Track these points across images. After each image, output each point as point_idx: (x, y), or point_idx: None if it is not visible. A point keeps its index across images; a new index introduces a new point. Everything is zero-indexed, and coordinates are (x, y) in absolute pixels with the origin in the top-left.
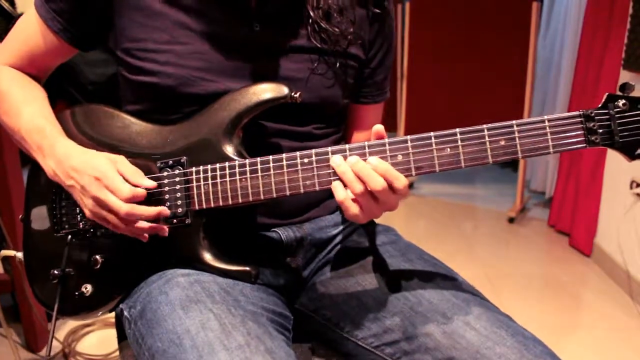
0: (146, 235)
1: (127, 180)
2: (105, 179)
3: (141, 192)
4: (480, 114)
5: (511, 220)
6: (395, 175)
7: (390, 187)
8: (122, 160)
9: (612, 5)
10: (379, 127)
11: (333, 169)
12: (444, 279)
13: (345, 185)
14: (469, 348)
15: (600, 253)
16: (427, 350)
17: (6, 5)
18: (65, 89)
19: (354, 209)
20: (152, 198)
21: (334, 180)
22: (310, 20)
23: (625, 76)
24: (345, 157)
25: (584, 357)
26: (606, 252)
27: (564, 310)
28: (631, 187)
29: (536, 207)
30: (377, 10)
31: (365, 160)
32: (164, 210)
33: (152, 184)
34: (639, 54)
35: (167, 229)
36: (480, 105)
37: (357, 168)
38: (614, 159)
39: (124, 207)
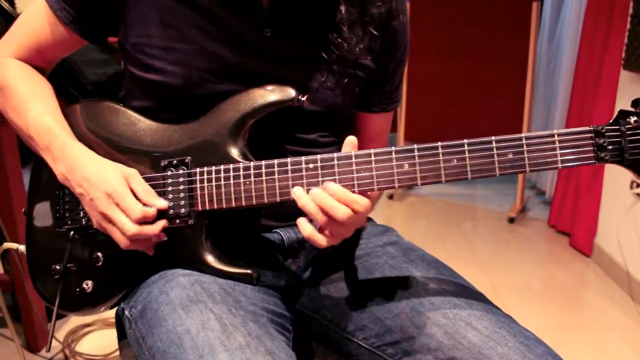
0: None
1: (138, 199)
2: (116, 196)
3: (152, 212)
4: (481, 114)
5: (511, 220)
6: (353, 199)
7: (353, 211)
8: (135, 176)
9: (612, 5)
10: (351, 139)
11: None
12: (445, 279)
13: (310, 219)
14: (471, 348)
15: (600, 253)
16: (429, 351)
17: (6, 5)
18: (65, 88)
19: (321, 241)
20: None
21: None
22: (322, 30)
23: (625, 76)
24: (307, 190)
25: (584, 357)
26: (606, 252)
27: (564, 310)
28: (631, 187)
29: (536, 207)
30: (375, 33)
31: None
32: (164, 223)
33: (164, 204)
34: (639, 54)
35: (165, 236)
36: (481, 105)
37: (319, 200)
38: None
39: (132, 229)
